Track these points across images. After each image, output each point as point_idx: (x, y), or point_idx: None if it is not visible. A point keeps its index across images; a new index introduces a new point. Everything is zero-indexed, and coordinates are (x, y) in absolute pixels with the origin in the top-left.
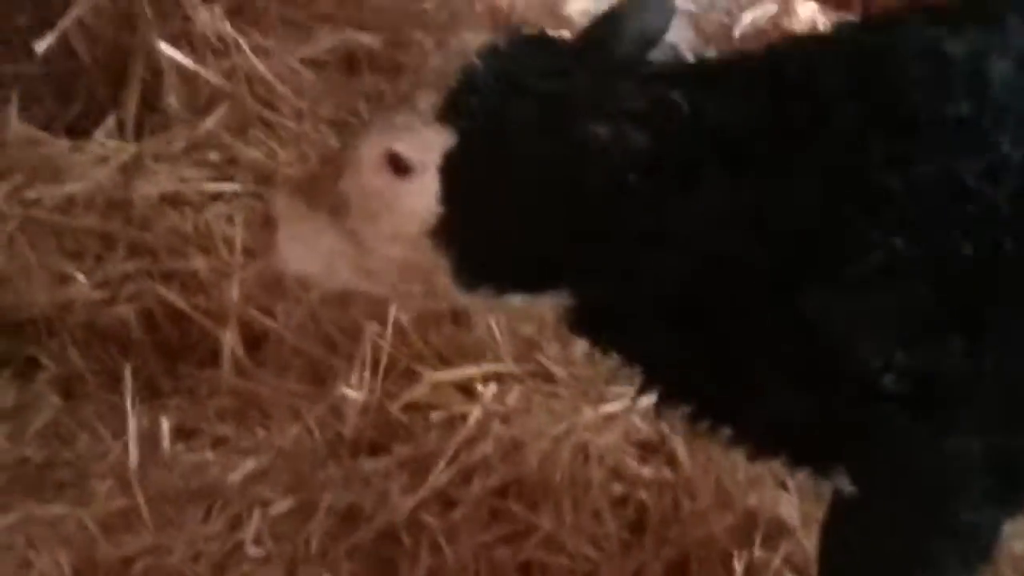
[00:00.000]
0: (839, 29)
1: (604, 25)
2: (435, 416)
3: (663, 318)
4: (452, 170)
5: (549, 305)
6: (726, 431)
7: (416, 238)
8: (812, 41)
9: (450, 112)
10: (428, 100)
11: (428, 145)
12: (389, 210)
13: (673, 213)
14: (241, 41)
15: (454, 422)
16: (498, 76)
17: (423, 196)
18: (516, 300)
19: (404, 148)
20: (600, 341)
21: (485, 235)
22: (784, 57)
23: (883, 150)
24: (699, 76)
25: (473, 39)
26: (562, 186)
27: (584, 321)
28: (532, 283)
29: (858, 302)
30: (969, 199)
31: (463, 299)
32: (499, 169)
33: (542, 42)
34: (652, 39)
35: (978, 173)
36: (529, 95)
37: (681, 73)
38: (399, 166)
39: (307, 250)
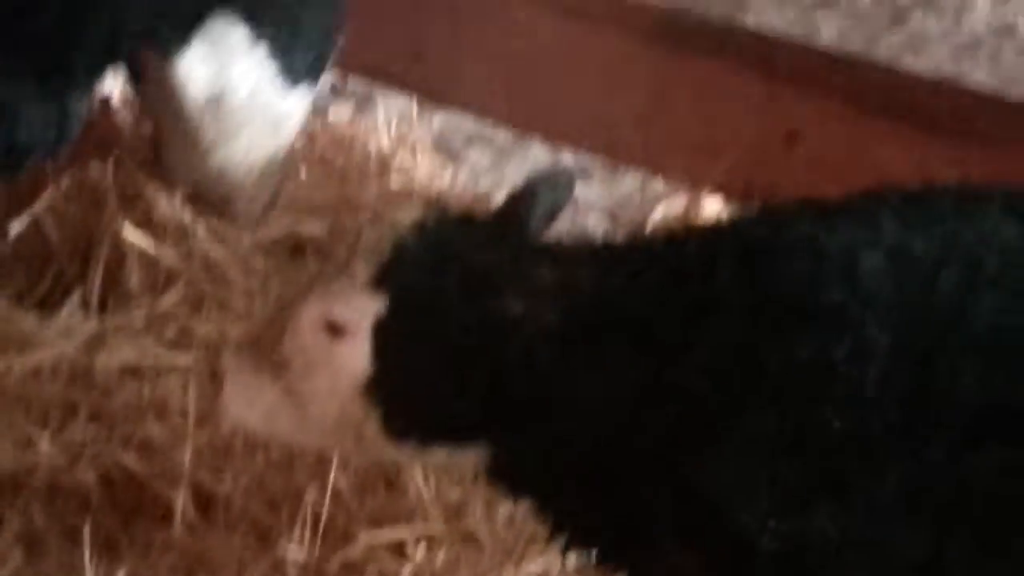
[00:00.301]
0: (734, 223)
1: (518, 203)
2: (369, 575)
3: (570, 471)
4: (382, 333)
5: (471, 457)
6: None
7: (349, 394)
8: (709, 232)
9: (381, 281)
10: (362, 270)
11: (361, 310)
12: (326, 368)
13: (580, 383)
14: (197, 226)
15: None
16: (425, 250)
17: (356, 356)
18: (440, 452)
19: (340, 312)
20: (515, 490)
21: (412, 392)
22: (683, 246)
23: (764, 335)
24: (607, 258)
25: (404, 216)
26: (480, 352)
27: (501, 472)
28: (454, 436)
29: (735, 471)
30: (838, 379)
31: (391, 451)
32: (425, 334)
33: (465, 220)
34: (556, 213)
35: (846, 355)
36: (451, 268)
37: (590, 254)
38: (335, 328)
39: (250, 405)
